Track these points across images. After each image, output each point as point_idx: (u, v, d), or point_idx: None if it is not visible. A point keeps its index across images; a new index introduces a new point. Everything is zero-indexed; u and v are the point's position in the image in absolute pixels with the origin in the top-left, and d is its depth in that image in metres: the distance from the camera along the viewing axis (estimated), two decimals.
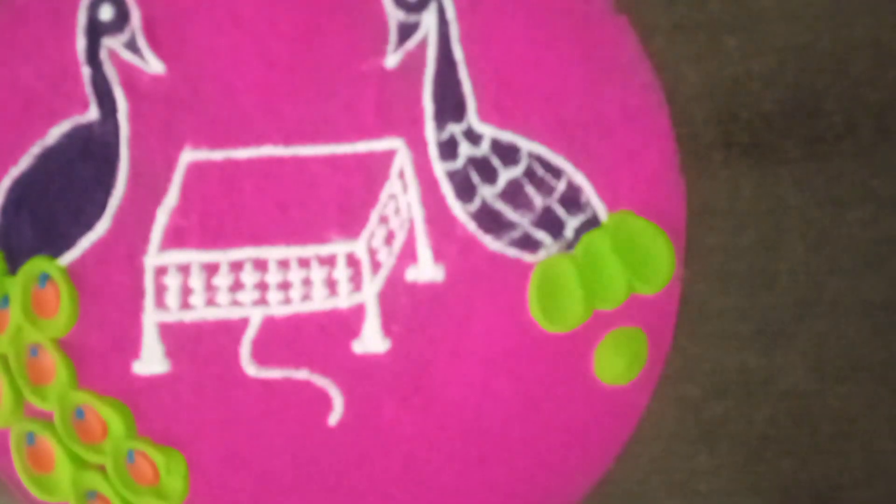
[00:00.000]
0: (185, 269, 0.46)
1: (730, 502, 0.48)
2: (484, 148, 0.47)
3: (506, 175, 0.47)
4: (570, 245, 0.47)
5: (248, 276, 0.46)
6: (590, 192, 0.47)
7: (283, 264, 0.46)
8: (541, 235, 0.47)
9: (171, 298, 0.46)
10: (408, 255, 0.47)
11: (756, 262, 0.48)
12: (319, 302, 0.46)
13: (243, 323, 0.46)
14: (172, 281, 0.46)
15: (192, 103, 0.46)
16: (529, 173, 0.47)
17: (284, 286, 0.46)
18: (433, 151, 0.47)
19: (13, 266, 0.46)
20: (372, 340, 0.47)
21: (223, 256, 0.46)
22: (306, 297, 0.46)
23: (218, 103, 0.47)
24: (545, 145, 0.47)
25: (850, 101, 0.49)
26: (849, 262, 0.49)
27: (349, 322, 0.47)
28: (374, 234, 0.47)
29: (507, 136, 0.47)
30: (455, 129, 0.47)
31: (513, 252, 0.47)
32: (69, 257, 0.46)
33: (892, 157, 0.49)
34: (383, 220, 0.47)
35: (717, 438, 0.48)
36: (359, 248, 0.47)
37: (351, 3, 0.47)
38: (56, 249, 0.46)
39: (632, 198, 0.47)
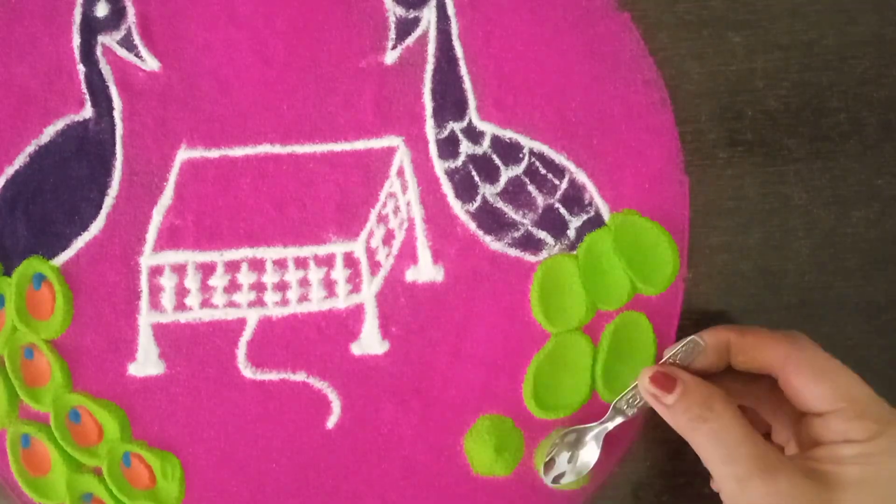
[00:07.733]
0: (180, 270, 0.46)
1: None
2: (485, 146, 0.46)
3: (507, 173, 0.46)
4: (572, 245, 0.47)
5: (245, 277, 0.46)
6: (592, 191, 0.47)
7: (280, 265, 0.46)
8: (543, 235, 0.46)
9: (167, 299, 0.46)
10: (407, 255, 0.46)
11: (761, 262, 0.48)
12: (317, 303, 0.46)
13: (240, 324, 0.46)
14: (168, 281, 0.46)
15: (187, 101, 0.46)
16: (531, 172, 0.46)
17: (281, 287, 0.46)
18: (433, 149, 0.46)
19: (8, 267, 0.46)
20: (371, 342, 0.46)
21: (219, 257, 0.46)
22: (304, 298, 0.46)
23: (214, 101, 0.46)
24: (547, 143, 0.46)
25: (855, 98, 0.48)
26: (854, 262, 0.49)
27: (347, 324, 0.46)
28: (372, 234, 0.46)
29: (508, 134, 0.46)
30: (455, 126, 0.46)
31: (514, 252, 0.46)
32: (64, 257, 0.46)
33: None
34: (382, 219, 0.46)
35: None
36: (357, 248, 0.46)
37: None
38: (51, 250, 0.46)
39: (635, 197, 0.47)
